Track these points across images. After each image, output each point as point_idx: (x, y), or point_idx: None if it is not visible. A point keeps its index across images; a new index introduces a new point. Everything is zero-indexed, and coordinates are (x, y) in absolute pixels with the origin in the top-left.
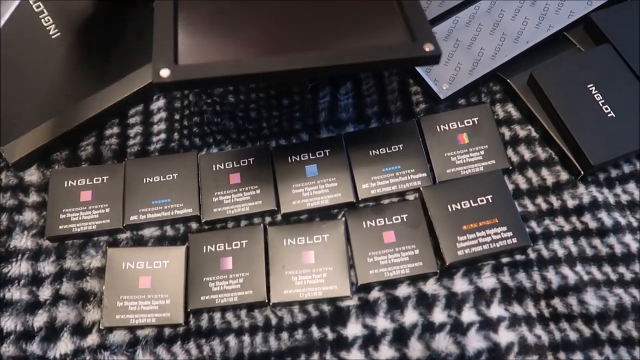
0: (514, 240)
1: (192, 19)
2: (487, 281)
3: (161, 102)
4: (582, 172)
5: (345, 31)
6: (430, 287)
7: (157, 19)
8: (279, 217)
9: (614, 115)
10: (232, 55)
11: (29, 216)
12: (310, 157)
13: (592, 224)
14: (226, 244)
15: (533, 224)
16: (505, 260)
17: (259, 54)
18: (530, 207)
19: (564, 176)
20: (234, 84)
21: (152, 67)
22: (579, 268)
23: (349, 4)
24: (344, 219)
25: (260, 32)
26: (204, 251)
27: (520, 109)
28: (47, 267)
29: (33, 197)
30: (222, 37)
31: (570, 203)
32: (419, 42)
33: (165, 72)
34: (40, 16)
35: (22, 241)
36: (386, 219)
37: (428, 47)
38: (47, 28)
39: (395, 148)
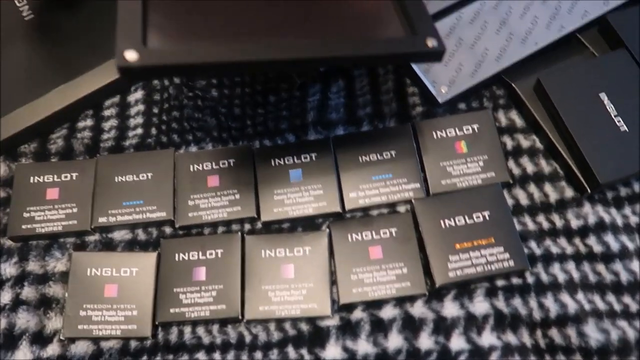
0: (511, 262)
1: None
2: (480, 306)
3: (139, 94)
4: (589, 190)
5: (340, 19)
6: (418, 309)
7: None
8: (259, 225)
9: (627, 129)
10: (212, 39)
11: None
12: (295, 161)
13: (597, 248)
14: (200, 253)
15: (533, 244)
16: (500, 283)
17: (242, 39)
18: (531, 226)
19: (569, 193)
20: (212, 73)
21: (116, 48)
22: (580, 296)
23: (349, 1)
24: (328, 230)
25: (246, 13)
26: (176, 259)
27: (525, 117)
28: (8, 269)
29: None
30: (201, 16)
31: (574, 223)
32: (420, 36)
33: (131, 55)
34: None
35: None
36: (374, 232)
37: (431, 42)
38: (21, 9)
39: (387, 154)
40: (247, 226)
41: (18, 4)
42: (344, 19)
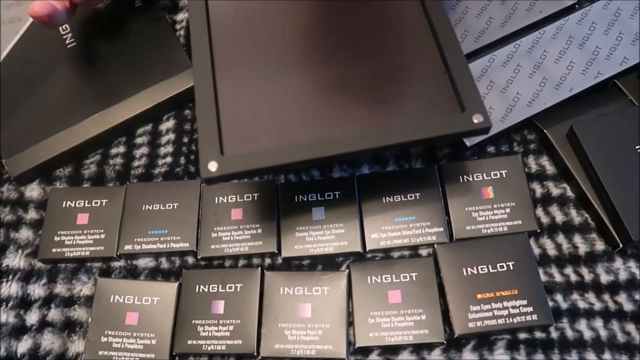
0: (534, 316)
1: (233, 103)
2: (500, 359)
3: (170, 123)
4: (621, 245)
5: (394, 104)
6: (436, 358)
7: (199, 107)
8: (279, 260)
9: None
10: (279, 140)
11: (25, 234)
12: (319, 198)
13: (628, 306)
14: (220, 286)
15: (559, 297)
16: (522, 336)
17: (306, 137)
18: (558, 277)
19: (600, 246)
20: (283, 170)
21: (200, 160)
22: (607, 356)
23: (396, 74)
24: (347, 271)
25: (306, 112)
26: (197, 290)
27: (556, 164)
28: (37, 290)
29: (31, 214)
30: (267, 121)
31: (604, 278)
32: (467, 112)
33: (213, 166)
34: None
35: (15, 260)
36: (394, 275)
37: (477, 119)
38: (64, 36)
39: (411, 196)
40: (268, 260)
41: (62, 31)
42: (401, 102)
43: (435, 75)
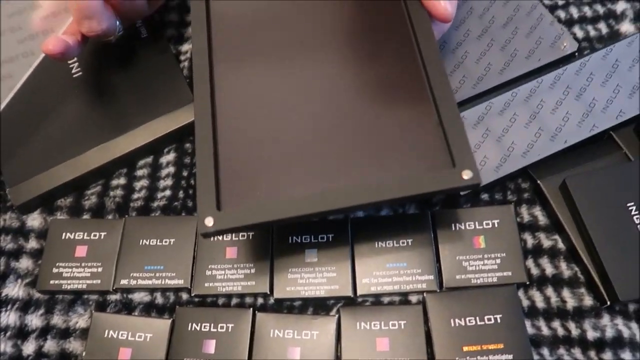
0: None
1: (232, 159)
2: None
3: (171, 156)
4: (608, 302)
5: (387, 159)
6: None
7: (199, 162)
8: (271, 300)
9: None
10: (275, 195)
11: (25, 263)
12: (312, 240)
13: None
14: (212, 325)
15: (545, 351)
16: None
17: (301, 193)
18: (545, 331)
19: (588, 301)
20: (278, 225)
21: (198, 215)
22: None
23: (391, 127)
24: (337, 315)
25: (302, 168)
26: (189, 328)
27: (549, 215)
28: (34, 320)
29: (32, 244)
30: (263, 176)
31: (591, 334)
32: (457, 168)
33: (210, 221)
34: None
35: (14, 290)
36: (383, 323)
37: (466, 175)
38: (70, 65)
39: (403, 242)
40: (260, 300)
41: (69, 61)
42: (395, 157)
43: (429, 130)
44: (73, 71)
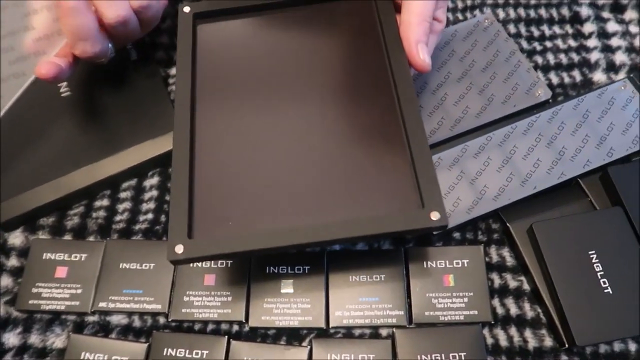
0: None
1: (207, 188)
2: None
3: (155, 180)
4: (566, 345)
5: (359, 197)
6: None
7: (173, 190)
8: (246, 328)
9: (610, 292)
10: (246, 227)
11: (5, 281)
12: (289, 271)
13: None
14: (187, 351)
15: None
16: None
17: (273, 226)
18: None
19: (548, 342)
20: (248, 256)
21: (168, 241)
22: None
23: (365, 167)
24: (309, 347)
25: (274, 202)
26: (165, 353)
27: (516, 257)
28: (12, 338)
29: (12, 262)
30: (236, 207)
31: None
32: (426, 209)
33: (179, 249)
34: None
35: None
36: (353, 355)
37: (435, 217)
38: (59, 85)
39: (377, 277)
40: (235, 327)
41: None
42: (367, 195)
43: (402, 172)
44: (62, 90)
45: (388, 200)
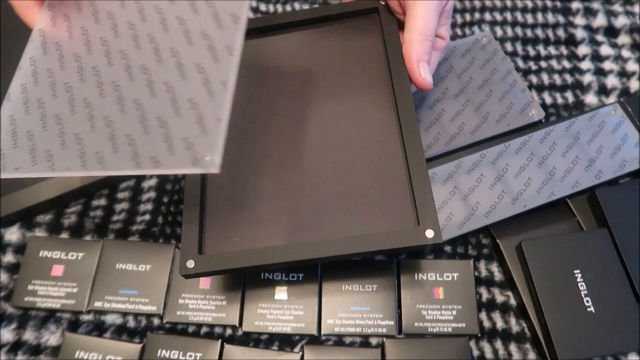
0: None
1: (216, 210)
2: None
3: (153, 181)
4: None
5: (358, 214)
6: None
7: (186, 210)
8: (240, 332)
9: (593, 311)
10: (253, 245)
11: (0, 277)
12: (283, 278)
13: None
14: (181, 353)
15: None
16: None
17: (276, 244)
18: None
19: (532, 356)
20: (254, 271)
21: (180, 257)
22: None
23: (365, 189)
24: (301, 353)
25: (278, 221)
26: (158, 355)
27: (504, 272)
28: (6, 334)
29: (9, 258)
30: (244, 225)
31: None
32: (421, 227)
33: (190, 264)
34: None
35: None
36: None
37: (429, 234)
38: None
39: (369, 287)
40: (229, 331)
41: None
42: (365, 212)
43: (399, 191)
44: None
45: (384, 217)
